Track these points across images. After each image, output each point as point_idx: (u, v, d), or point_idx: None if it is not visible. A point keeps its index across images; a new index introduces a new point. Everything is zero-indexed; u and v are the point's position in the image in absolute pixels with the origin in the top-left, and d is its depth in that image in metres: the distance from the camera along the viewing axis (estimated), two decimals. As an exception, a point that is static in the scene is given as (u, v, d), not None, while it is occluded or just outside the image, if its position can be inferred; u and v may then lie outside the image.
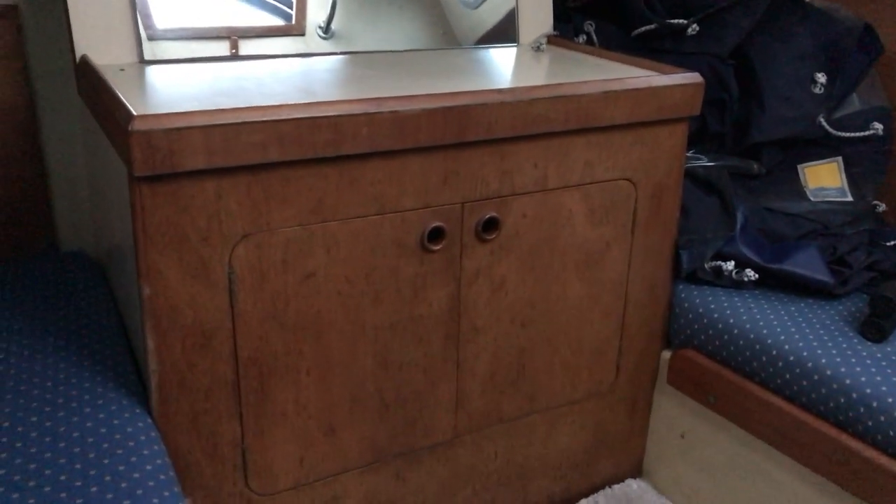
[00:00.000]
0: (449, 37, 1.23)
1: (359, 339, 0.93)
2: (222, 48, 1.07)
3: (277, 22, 1.11)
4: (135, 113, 0.73)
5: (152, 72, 0.97)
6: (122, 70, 0.97)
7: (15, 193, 1.13)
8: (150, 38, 1.01)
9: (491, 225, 0.97)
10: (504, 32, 1.26)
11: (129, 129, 0.72)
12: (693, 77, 1.04)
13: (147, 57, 1.00)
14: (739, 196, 1.20)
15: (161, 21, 1.02)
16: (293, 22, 1.13)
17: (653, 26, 1.25)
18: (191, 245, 0.80)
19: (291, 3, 1.11)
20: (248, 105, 0.81)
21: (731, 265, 1.13)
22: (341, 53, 1.13)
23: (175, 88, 0.90)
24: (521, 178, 0.97)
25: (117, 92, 0.81)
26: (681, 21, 1.23)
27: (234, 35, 1.07)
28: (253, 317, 0.85)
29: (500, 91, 0.91)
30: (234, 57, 1.06)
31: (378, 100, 0.84)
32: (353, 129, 0.83)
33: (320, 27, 1.14)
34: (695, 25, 1.22)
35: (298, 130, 0.80)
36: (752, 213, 1.19)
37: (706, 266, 1.15)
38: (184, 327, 0.82)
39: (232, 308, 0.84)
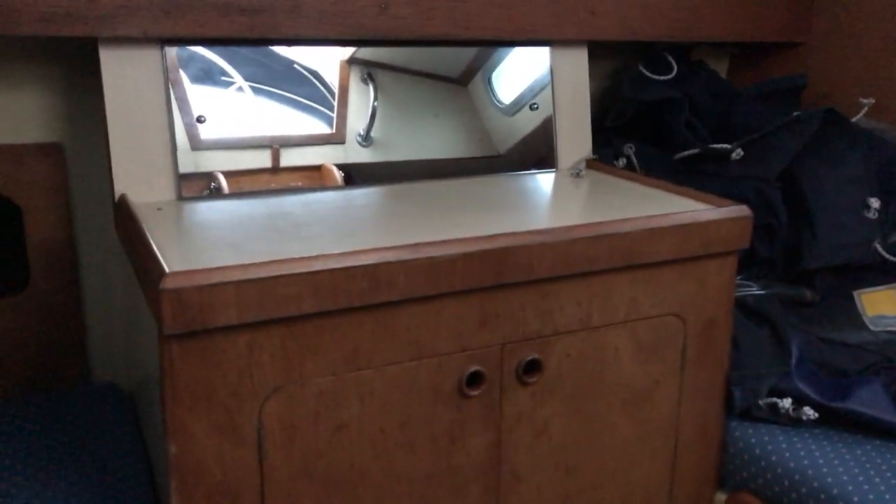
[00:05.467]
0: (486, 144, 1.23)
1: (393, 492, 0.87)
2: (264, 157, 1.07)
3: (319, 130, 1.11)
4: (167, 270, 0.72)
5: (188, 211, 0.97)
6: (159, 209, 0.97)
7: (50, 324, 1.13)
8: (195, 149, 1.02)
9: (532, 367, 0.92)
10: (543, 158, 1.25)
11: (161, 287, 0.70)
12: (741, 210, 1.00)
13: (189, 168, 1.01)
14: (792, 326, 1.15)
15: (205, 132, 1.03)
16: (334, 130, 1.13)
17: (696, 150, 1.22)
18: (220, 400, 0.77)
19: (333, 108, 1.12)
20: (284, 249, 0.80)
21: (787, 402, 1.06)
22: (377, 176, 1.13)
23: (210, 232, 0.89)
24: (564, 318, 0.93)
25: (151, 242, 0.80)
26: (724, 146, 1.20)
27: (275, 144, 1.08)
28: (282, 473, 0.81)
29: (539, 232, 0.89)
30: (272, 191, 1.06)
31: (414, 246, 0.82)
32: (388, 277, 0.80)
33: (360, 135, 1.14)
34: (739, 150, 1.20)
35: (333, 281, 0.78)
36: (807, 345, 1.13)
37: (761, 403, 1.08)
38: (210, 486, 0.78)
39: (261, 464, 0.80)
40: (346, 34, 1.07)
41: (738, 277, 1.17)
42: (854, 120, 1.27)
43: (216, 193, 1.03)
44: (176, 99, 1.01)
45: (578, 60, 1.28)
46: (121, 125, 0.98)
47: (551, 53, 1.26)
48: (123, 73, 0.98)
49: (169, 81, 1.01)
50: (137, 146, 0.99)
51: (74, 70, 1.09)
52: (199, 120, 1.03)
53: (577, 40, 1.26)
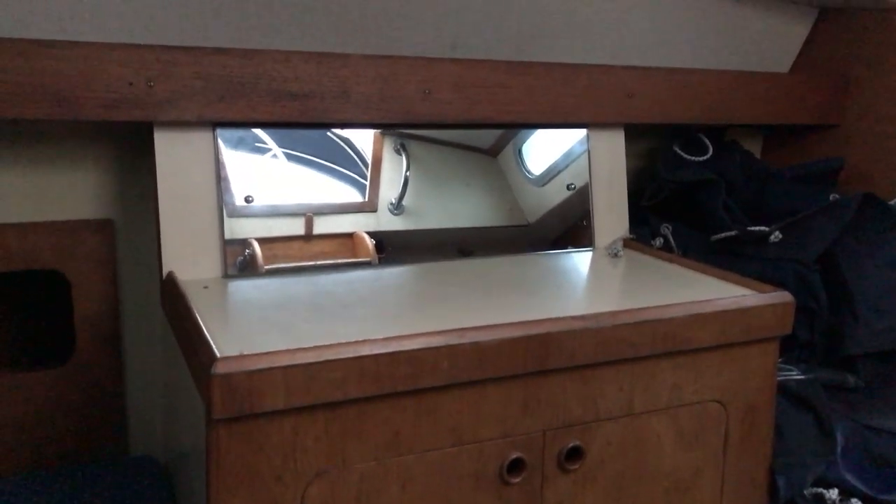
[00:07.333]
0: (516, 214, 1.24)
1: (432, 581, 0.86)
2: (298, 225, 1.09)
3: (351, 198, 1.13)
4: (218, 354, 0.73)
5: (234, 289, 0.99)
6: (205, 287, 0.98)
7: (92, 396, 1.14)
8: (230, 216, 1.04)
9: (574, 454, 0.91)
10: (573, 228, 1.27)
11: (212, 372, 0.71)
12: (783, 296, 1.00)
13: (227, 236, 1.04)
14: (836, 412, 1.12)
15: (241, 199, 1.05)
16: (366, 198, 1.15)
17: (733, 233, 1.23)
18: (264, 484, 0.76)
19: (366, 176, 1.15)
20: (329, 332, 0.81)
21: (834, 493, 1.04)
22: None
23: (257, 313, 0.90)
24: (606, 404, 0.92)
25: (201, 324, 0.81)
26: (762, 228, 1.20)
27: (309, 212, 1.10)
28: (322, 559, 0.80)
29: (582, 318, 0.89)
30: (313, 268, 1.08)
31: (459, 331, 0.83)
32: (433, 362, 0.81)
33: (392, 203, 1.16)
34: (777, 233, 1.20)
35: (378, 366, 0.78)
36: (852, 433, 1.10)
37: (806, 493, 1.05)
38: (250, 572, 0.77)
39: (302, 550, 0.79)
40: (392, 118, 1.11)
41: (779, 361, 1.15)
42: (892, 203, 1.27)
43: (252, 261, 1.05)
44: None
45: (615, 142, 1.30)
46: (171, 204, 1.01)
47: (589, 135, 1.28)
48: (176, 154, 1.02)
49: (219, 163, 1.04)
50: (186, 225, 1.02)
51: (126, 149, 1.13)
52: (248, 200, 1.05)
53: (615, 123, 1.29)
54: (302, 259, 1.09)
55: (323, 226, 1.11)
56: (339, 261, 1.11)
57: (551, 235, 1.26)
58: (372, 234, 1.14)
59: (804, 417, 1.10)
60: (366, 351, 0.78)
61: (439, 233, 1.19)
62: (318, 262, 1.09)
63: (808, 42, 1.50)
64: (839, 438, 1.08)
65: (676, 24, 1.33)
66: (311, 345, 0.77)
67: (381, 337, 0.80)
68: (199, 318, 0.83)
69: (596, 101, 1.24)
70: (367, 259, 1.12)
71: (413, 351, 0.80)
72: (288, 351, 0.75)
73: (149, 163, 1.04)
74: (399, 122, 1.12)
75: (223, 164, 1.04)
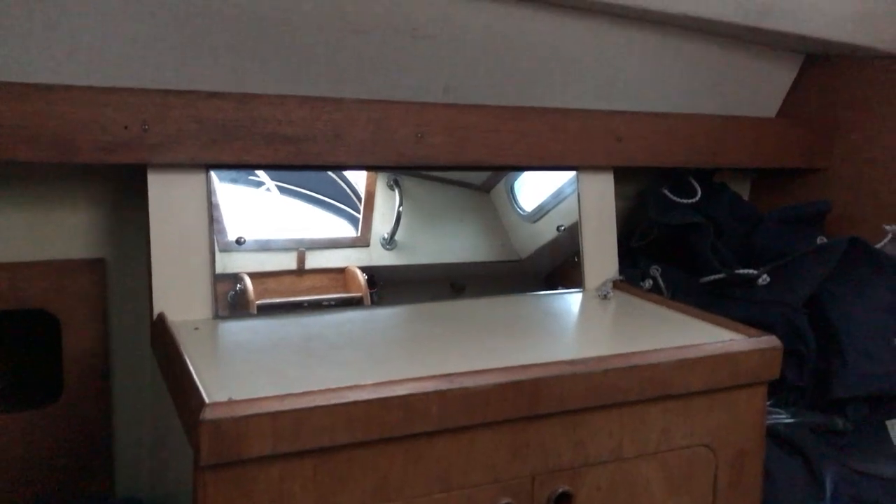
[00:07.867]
0: (507, 249, 1.25)
1: None
2: (290, 259, 1.10)
3: (344, 232, 1.14)
4: (207, 400, 0.73)
5: (225, 331, 0.99)
6: (196, 329, 0.98)
7: (79, 436, 1.13)
8: (222, 250, 1.04)
9: (563, 499, 0.91)
10: (564, 263, 1.27)
11: (200, 418, 0.71)
12: (771, 341, 1.01)
13: (219, 270, 1.04)
14: (825, 456, 1.13)
15: (234, 234, 1.06)
16: (359, 233, 1.16)
17: (721, 275, 1.24)
18: (250, 531, 0.76)
19: (359, 210, 1.16)
20: (319, 377, 0.82)
21: (824, 539, 1.04)
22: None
23: (246, 356, 0.91)
24: (595, 448, 0.92)
25: (191, 368, 0.81)
26: (750, 271, 1.22)
27: (301, 247, 1.10)
28: None
29: (571, 363, 0.89)
30: (304, 309, 1.08)
31: (448, 376, 0.83)
32: (422, 408, 0.81)
33: (384, 238, 1.16)
34: (765, 276, 1.21)
35: (368, 412, 0.78)
36: (841, 478, 1.10)
37: (796, 539, 1.05)
38: None
39: None
40: (385, 161, 1.12)
41: (768, 404, 1.16)
42: (878, 246, 1.29)
43: (244, 296, 1.05)
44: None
45: (605, 184, 1.32)
46: (164, 245, 1.02)
47: (578, 177, 1.30)
48: (169, 195, 1.03)
49: (212, 204, 1.05)
50: (178, 266, 1.02)
51: (119, 189, 1.14)
52: (239, 241, 1.06)
53: (604, 166, 1.30)
54: (294, 294, 1.09)
55: (315, 260, 1.12)
56: (331, 296, 1.11)
57: (543, 271, 1.27)
58: (364, 269, 1.14)
59: (793, 462, 1.11)
60: (355, 397, 0.78)
61: (431, 268, 1.19)
62: (310, 298, 1.10)
63: (795, 87, 1.53)
64: (828, 483, 1.08)
65: (665, 69, 1.36)
66: (301, 390, 0.77)
67: (371, 382, 0.80)
68: (188, 361, 0.83)
69: (586, 144, 1.26)
70: (359, 294, 1.13)
71: (402, 396, 0.80)
72: (277, 397, 0.75)
73: (142, 203, 1.04)
74: (392, 164, 1.13)
75: (216, 204, 1.05)
